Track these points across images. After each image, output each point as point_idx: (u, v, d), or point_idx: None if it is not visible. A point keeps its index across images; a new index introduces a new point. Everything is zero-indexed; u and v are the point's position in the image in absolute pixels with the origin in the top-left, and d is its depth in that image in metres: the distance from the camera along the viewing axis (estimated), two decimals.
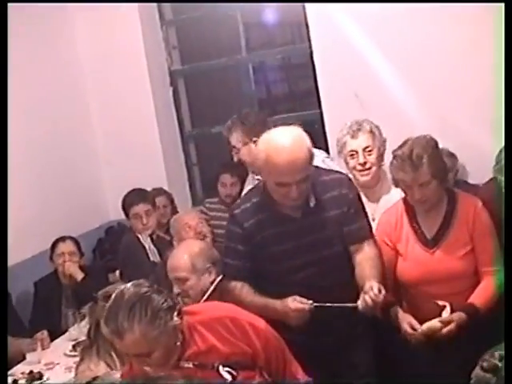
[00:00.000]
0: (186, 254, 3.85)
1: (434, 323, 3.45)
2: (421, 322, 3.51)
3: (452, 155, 4.82)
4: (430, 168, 3.49)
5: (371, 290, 3.20)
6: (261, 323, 3.00)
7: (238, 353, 2.89)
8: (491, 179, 3.84)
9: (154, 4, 6.45)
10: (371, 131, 4.16)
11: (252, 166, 4.50)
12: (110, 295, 3.06)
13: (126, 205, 5.33)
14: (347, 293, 3.40)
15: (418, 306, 3.63)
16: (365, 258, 3.47)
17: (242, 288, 3.50)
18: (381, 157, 4.18)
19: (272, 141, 3.30)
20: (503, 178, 3.56)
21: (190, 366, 2.84)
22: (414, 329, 3.47)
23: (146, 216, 5.27)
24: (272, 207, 3.44)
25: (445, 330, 3.42)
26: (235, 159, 4.54)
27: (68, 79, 6.25)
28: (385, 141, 4.19)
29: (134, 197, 5.34)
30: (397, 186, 3.70)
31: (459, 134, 4.94)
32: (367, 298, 3.19)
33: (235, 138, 4.48)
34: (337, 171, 3.72)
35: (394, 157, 3.59)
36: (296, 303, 3.28)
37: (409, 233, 3.68)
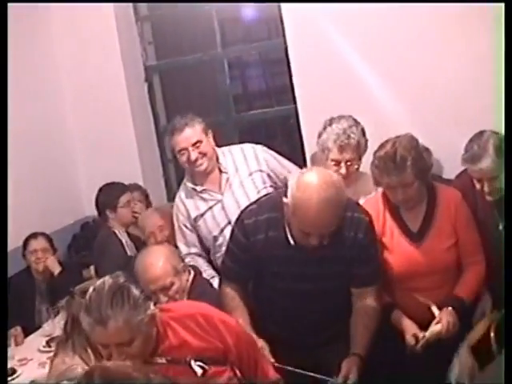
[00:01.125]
0: (162, 260, 3.73)
1: (435, 327, 3.46)
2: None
3: (427, 150, 4.83)
4: (413, 169, 3.52)
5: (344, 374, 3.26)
6: (232, 321, 3.08)
7: (210, 348, 2.94)
8: (462, 172, 3.89)
9: None
10: (358, 144, 4.11)
11: (211, 157, 4.38)
12: (88, 291, 3.11)
13: (112, 198, 5.26)
14: (333, 326, 3.50)
15: (402, 301, 3.67)
16: (362, 312, 3.47)
17: (233, 304, 3.51)
18: (360, 159, 4.18)
19: (307, 191, 3.19)
20: (473, 167, 3.61)
21: (163, 361, 2.90)
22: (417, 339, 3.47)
23: (134, 204, 5.28)
24: (284, 230, 3.38)
25: (443, 330, 3.44)
26: (193, 157, 4.30)
27: (42, 74, 6.21)
28: (367, 141, 4.19)
29: (117, 188, 5.32)
30: (378, 185, 3.71)
31: (433, 129, 4.96)
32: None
33: (197, 131, 4.31)
34: (360, 206, 3.59)
35: (376, 158, 3.59)
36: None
37: (393, 226, 3.71)
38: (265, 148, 4.55)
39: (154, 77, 6.62)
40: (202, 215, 4.40)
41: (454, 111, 4.98)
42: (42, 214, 5.84)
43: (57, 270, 5.18)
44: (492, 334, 3.38)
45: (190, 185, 4.43)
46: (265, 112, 6.39)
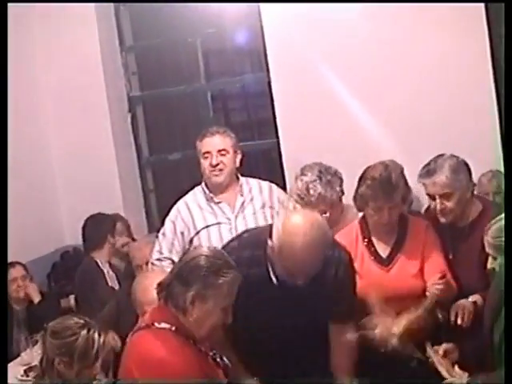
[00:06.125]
0: None
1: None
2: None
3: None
4: (401, 193, 3.69)
5: None
6: None
7: None
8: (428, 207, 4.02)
9: (114, 29, 6.46)
10: (319, 196, 4.11)
11: (231, 174, 4.44)
12: (58, 331, 3.10)
13: (111, 224, 5.46)
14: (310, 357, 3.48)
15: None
16: (342, 345, 3.49)
17: None
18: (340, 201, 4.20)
19: (293, 234, 3.17)
20: (427, 181, 3.73)
21: None
22: None
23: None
24: (266, 268, 3.36)
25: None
26: (214, 161, 4.39)
27: (26, 103, 6.20)
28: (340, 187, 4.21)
29: (109, 216, 5.54)
30: (362, 209, 3.79)
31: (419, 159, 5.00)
32: None
33: (227, 142, 4.44)
34: (339, 244, 3.58)
35: (369, 179, 3.68)
36: None
37: (364, 252, 3.80)
38: (279, 189, 4.65)
39: (138, 107, 6.64)
40: (207, 227, 4.40)
41: (441, 140, 4.97)
42: (21, 242, 5.80)
43: (36, 298, 5.16)
44: None
45: (207, 191, 4.46)
46: (246, 145, 6.40)
